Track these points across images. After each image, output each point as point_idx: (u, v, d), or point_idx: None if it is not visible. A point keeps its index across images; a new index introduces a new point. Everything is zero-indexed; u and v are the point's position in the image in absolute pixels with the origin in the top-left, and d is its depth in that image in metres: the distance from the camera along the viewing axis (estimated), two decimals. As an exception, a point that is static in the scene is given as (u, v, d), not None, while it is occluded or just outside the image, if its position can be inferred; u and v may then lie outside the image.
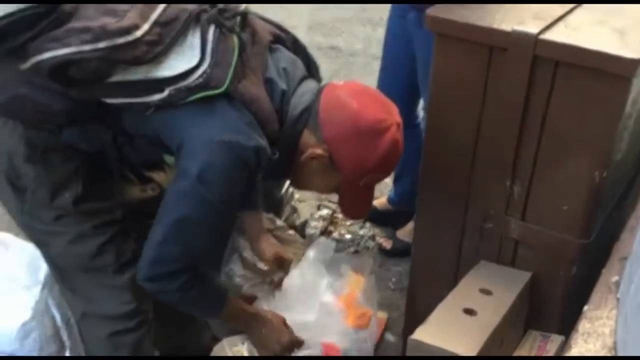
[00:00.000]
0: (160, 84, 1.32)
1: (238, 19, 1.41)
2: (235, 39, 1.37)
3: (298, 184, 1.62)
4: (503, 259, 1.72)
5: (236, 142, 1.34)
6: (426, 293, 1.84)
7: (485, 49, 1.51)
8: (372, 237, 2.64)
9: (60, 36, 1.26)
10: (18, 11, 1.25)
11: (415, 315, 1.75)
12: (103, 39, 1.26)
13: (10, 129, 1.46)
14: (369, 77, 4.14)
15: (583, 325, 1.25)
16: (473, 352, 1.38)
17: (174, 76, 1.32)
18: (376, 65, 4.17)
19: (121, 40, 1.27)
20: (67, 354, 1.67)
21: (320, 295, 1.88)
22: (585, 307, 1.29)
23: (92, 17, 1.28)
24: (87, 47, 1.25)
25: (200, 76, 1.32)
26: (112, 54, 1.27)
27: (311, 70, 1.62)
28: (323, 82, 1.60)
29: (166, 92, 1.33)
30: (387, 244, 2.58)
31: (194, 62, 1.32)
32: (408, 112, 2.39)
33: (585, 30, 1.48)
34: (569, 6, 1.58)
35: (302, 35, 4.32)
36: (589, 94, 1.43)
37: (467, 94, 1.58)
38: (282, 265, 1.90)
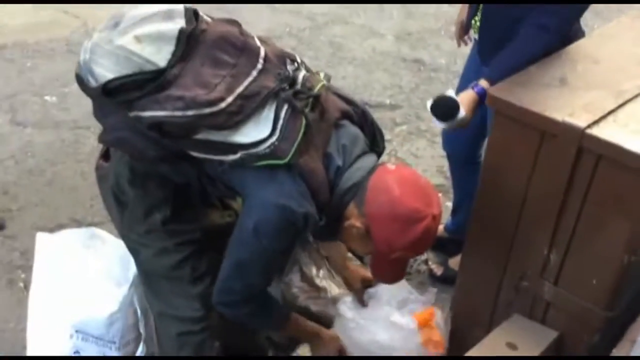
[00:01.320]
0: (235, 147, 1.57)
1: (311, 100, 1.63)
2: (303, 119, 1.59)
3: (344, 243, 1.87)
4: (534, 316, 1.91)
5: (289, 206, 1.56)
6: (464, 337, 2.05)
7: (537, 132, 1.69)
8: (425, 262, 2.84)
9: (161, 100, 1.53)
10: (132, 74, 1.54)
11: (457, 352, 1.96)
12: (192, 107, 1.52)
13: (120, 154, 1.76)
14: (449, 93, 4.31)
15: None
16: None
17: (248, 143, 1.56)
18: (456, 82, 4.34)
19: (207, 110, 1.52)
20: (142, 343, 1.98)
21: (396, 311, 2.10)
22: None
23: (188, 87, 1.54)
24: (178, 113, 1.52)
25: (269, 147, 1.56)
26: (198, 120, 1.53)
27: (376, 139, 1.85)
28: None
29: (239, 155, 1.57)
30: (439, 270, 2.77)
31: (265, 133, 1.56)
32: (473, 148, 2.56)
33: (631, 127, 1.63)
34: (623, 99, 1.72)
35: (388, 45, 4.59)
36: (624, 188, 1.59)
37: (517, 167, 1.77)
38: (369, 285, 2.18)
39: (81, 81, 1.60)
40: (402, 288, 2.16)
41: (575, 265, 1.77)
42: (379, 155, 1.87)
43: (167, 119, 1.53)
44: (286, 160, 1.57)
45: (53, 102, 3.78)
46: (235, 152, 1.58)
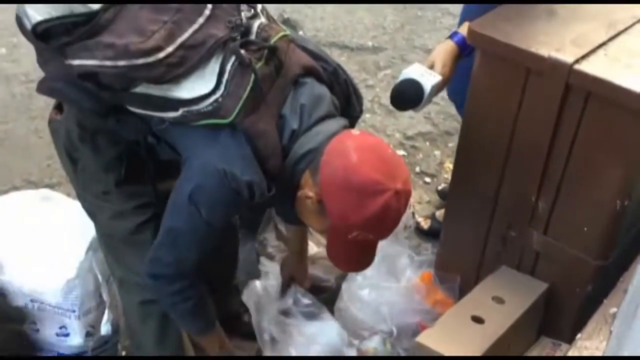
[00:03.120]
0: (175, 103, 1.50)
1: (265, 52, 1.54)
2: (252, 74, 1.50)
3: (299, 216, 1.72)
4: (523, 268, 1.93)
5: (230, 172, 1.49)
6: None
7: (522, 70, 1.68)
8: (412, 215, 2.84)
9: (90, 47, 1.47)
10: (60, 17, 1.48)
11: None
12: (124, 57, 1.44)
13: (68, 108, 1.73)
14: (436, 33, 4.27)
15: (572, 352, 1.46)
16: (471, 361, 1.61)
17: (189, 99, 1.49)
18: (445, 22, 4.31)
19: (140, 61, 1.45)
20: (106, 310, 1.98)
21: (402, 271, 2.12)
22: (578, 336, 1.50)
23: (121, 34, 1.46)
24: (108, 63, 1.45)
25: (211, 104, 1.49)
26: (130, 72, 1.46)
27: (351, 101, 1.75)
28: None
29: (180, 112, 1.51)
30: (425, 224, 2.78)
31: (208, 88, 1.48)
32: None
33: (623, 62, 1.62)
34: (615, 30, 1.71)
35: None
36: (616, 127, 1.60)
37: (501, 109, 1.76)
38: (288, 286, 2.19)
39: (20, 23, 1.55)
40: (402, 252, 2.19)
41: (565, 212, 1.78)
42: (354, 120, 1.79)
43: (98, 68, 1.47)
44: (229, 119, 1.49)
45: (2, 53, 3.70)
46: (176, 109, 1.52)
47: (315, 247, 2.34)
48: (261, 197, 1.54)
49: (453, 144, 3.18)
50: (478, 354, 1.64)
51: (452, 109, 3.29)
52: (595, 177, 1.68)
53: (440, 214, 2.76)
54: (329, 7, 4.24)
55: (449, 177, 3.00)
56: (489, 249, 1.99)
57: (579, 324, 1.88)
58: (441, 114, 3.39)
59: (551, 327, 1.93)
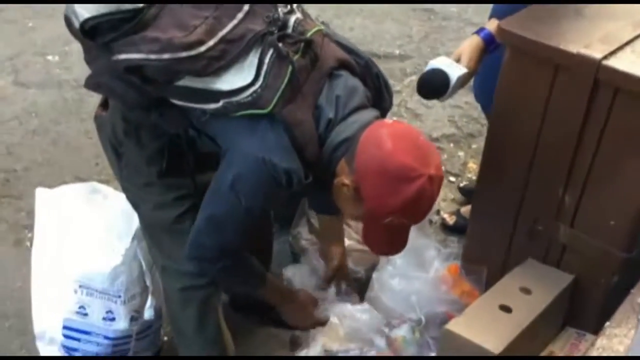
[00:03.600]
0: (217, 95, 1.48)
1: (302, 44, 1.51)
2: (290, 66, 1.48)
3: (335, 203, 1.69)
4: (549, 261, 1.85)
5: (269, 160, 1.46)
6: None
7: (550, 66, 1.61)
8: (437, 212, 2.78)
9: (136, 41, 1.45)
10: (107, 14, 1.46)
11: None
12: (168, 50, 1.43)
13: (114, 104, 1.70)
14: (460, 42, 4.14)
15: (601, 341, 1.38)
16: (500, 348, 1.54)
17: (229, 90, 1.46)
18: (469, 31, 4.18)
19: (184, 54, 1.43)
20: (149, 296, 1.94)
21: (430, 263, 2.06)
22: (607, 324, 1.42)
23: (164, 29, 1.45)
24: (153, 56, 1.43)
25: (251, 95, 1.46)
26: (174, 65, 1.44)
27: (382, 93, 1.71)
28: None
29: (220, 104, 1.48)
30: (450, 220, 2.71)
31: (248, 80, 1.46)
32: None
33: (651, 58, 1.54)
34: (642, 29, 1.63)
35: (397, -7, 4.42)
36: (645, 122, 1.52)
37: (530, 105, 1.69)
38: (338, 276, 2.12)
39: (69, 23, 1.53)
40: (429, 244, 2.13)
41: (592, 206, 1.71)
42: (385, 111, 1.74)
43: (143, 62, 1.45)
44: (268, 109, 1.47)
45: (55, 61, 3.71)
46: (217, 101, 1.49)
47: (347, 240, 2.28)
48: (299, 184, 1.50)
49: (476, 145, 3.12)
50: (506, 342, 1.57)
51: (475, 113, 3.23)
52: (622, 171, 1.60)
53: (465, 210, 2.69)
54: (358, 18, 4.19)
55: (473, 177, 2.96)
56: (515, 242, 1.91)
57: (603, 315, 1.78)
58: (464, 117, 3.31)
59: (576, 318, 1.85)
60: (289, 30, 1.53)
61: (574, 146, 1.64)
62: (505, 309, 1.67)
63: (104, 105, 1.75)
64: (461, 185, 2.86)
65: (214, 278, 1.77)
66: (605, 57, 1.53)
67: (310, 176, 1.53)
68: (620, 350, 1.35)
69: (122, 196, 1.89)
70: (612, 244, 1.70)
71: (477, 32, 1.83)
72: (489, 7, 2.20)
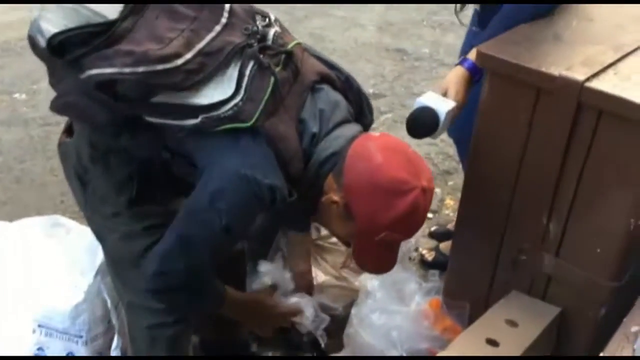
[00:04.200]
0: (195, 110, 1.40)
1: (282, 57, 1.46)
2: (272, 77, 1.42)
3: (322, 224, 1.64)
4: (534, 292, 1.77)
5: (252, 176, 1.38)
6: (456, 318, 1.91)
7: (532, 90, 1.56)
8: (416, 248, 2.70)
9: (109, 55, 1.36)
10: (76, 28, 1.38)
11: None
12: (143, 63, 1.34)
13: (80, 128, 1.61)
14: (433, 82, 4.19)
15: (595, 372, 1.30)
16: (488, 384, 1.45)
17: (209, 105, 1.39)
18: (441, 71, 4.25)
19: (160, 67, 1.35)
20: (115, 336, 1.81)
21: (411, 297, 1.97)
22: (601, 354, 1.34)
23: (139, 42, 1.37)
24: (127, 70, 1.35)
25: (231, 108, 1.38)
26: (150, 78, 1.36)
27: (363, 109, 1.65)
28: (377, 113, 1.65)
29: (199, 119, 1.40)
30: (430, 256, 2.63)
31: (228, 93, 1.38)
32: None
33: (634, 80, 1.50)
34: (623, 52, 1.60)
35: (370, 35, 4.47)
36: (630, 145, 1.47)
37: (511, 131, 1.64)
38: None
39: (33, 43, 1.44)
40: (410, 278, 2.05)
41: (578, 233, 1.64)
42: (366, 128, 1.67)
43: (116, 76, 1.36)
44: (250, 123, 1.39)
45: (22, 99, 3.63)
46: (195, 116, 1.41)
47: (322, 275, 2.18)
48: (282, 202, 1.42)
49: (453, 182, 3.09)
50: (495, 377, 1.48)
51: (451, 150, 3.19)
52: (608, 196, 1.55)
53: (444, 246, 2.62)
54: (332, 57, 4.16)
55: (450, 213, 2.90)
56: (498, 274, 1.84)
57: (593, 350, 1.73)
58: (440, 155, 3.28)
59: (564, 355, 1.77)
60: (269, 43, 1.47)
61: (557, 171, 1.58)
62: (492, 342, 1.58)
63: (69, 131, 1.65)
64: (432, 229, 2.77)
65: (179, 313, 1.63)
66: (588, 79, 1.49)
67: (295, 194, 1.45)
68: (617, 383, 1.27)
69: (86, 230, 1.79)
70: (599, 274, 1.63)
71: (461, 63, 1.77)
72: (459, 49, 2.20)
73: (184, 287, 1.53)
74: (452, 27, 4.32)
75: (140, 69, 1.35)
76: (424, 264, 2.62)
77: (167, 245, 1.50)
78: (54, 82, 1.49)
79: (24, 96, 3.65)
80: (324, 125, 1.50)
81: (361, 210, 1.43)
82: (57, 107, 1.48)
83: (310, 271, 2.06)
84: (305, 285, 2.02)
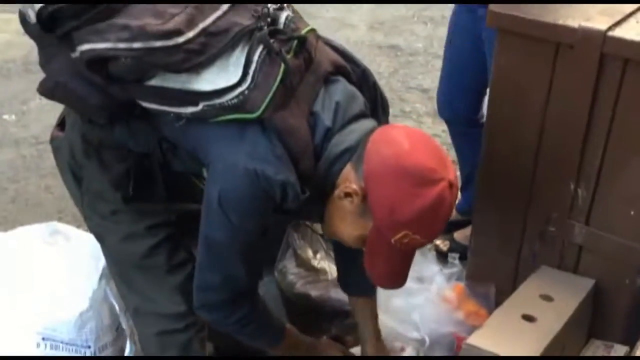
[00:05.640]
0: (196, 96, 1.28)
1: (294, 43, 1.33)
2: (282, 65, 1.29)
3: (329, 228, 1.45)
4: (565, 265, 1.67)
5: (262, 172, 1.27)
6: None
7: (550, 46, 1.47)
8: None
9: (102, 29, 1.25)
10: None
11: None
12: (140, 39, 1.23)
13: (72, 121, 1.50)
14: (429, 75, 4.14)
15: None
16: (531, 360, 1.34)
17: (212, 91, 1.27)
18: (437, 64, 4.15)
19: (158, 43, 1.23)
20: (127, 342, 1.70)
21: (431, 280, 1.86)
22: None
23: (137, 16, 1.25)
24: (122, 45, 1.23)
25: (237, 97, 1.26)
26: (147, 56, 1.24)
27: (377, 107, 1.52)
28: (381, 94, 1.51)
29: (200, 107, 1.28)
30: (444, 246, 2.53)
31: (233, 80, 1.26)
32: (474, 109, 2.33)
33: (658, 26, 1.42)
34: (641, 3, 1.52)
35: (362, 34, 4.39)
36: (660, 94, 1.38)
37: (530, 93, 1.55)
38: None
39: (23, 20, 1.32)
40: (430, 260, 1.98)
41: (609, 198, 1.55)
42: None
43: (110, 52, 1.24)
44: (257, 114, 1.27)
45: (12, 120, 3.53)
46: (196, 103, 1.29)
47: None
48: (294, 199, 1.30)
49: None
50: (535, 353, 1.37)
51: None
52: (639, 152, 1.45)
53: (459, 234, 2.52)
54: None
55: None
56: (525, 250, 1.73)
57: (630, 321, 1.63)
58: (444, 145, 3.18)
59: (601, 328, 1.66)
60: (280, 27, 1.34)
61: (583, 131, 1.49)
62: (529, 318, 1.47)
63: (61, 125, 1.54)
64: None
65: (230, 330, 1.52)
66: (610, 29, 1.40)
67: (307, 191, 1.32)
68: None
69: (86, 236, 1.68)
70: (634, 238, 1.53)
71: None
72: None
73: (230, 304, 1.44)
74: (444, 20, 4.22)
75: (136, 45, 1.23)
76: (440, 255, 2.52)
77: (199, 259, 1.41)
78: (43, 63, 1.36)
79: (13, 117, 3.55)
80: (339, 119, 1.36)
81: (382, 200, 1.28)
82: (45, 89, 1.36)
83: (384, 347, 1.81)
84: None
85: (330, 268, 2.08)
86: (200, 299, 1.45)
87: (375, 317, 1.77)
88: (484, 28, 1.99)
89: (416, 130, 1.40)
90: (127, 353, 1.68)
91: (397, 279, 1.47)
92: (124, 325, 1.69)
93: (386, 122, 1.55)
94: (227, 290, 1.42)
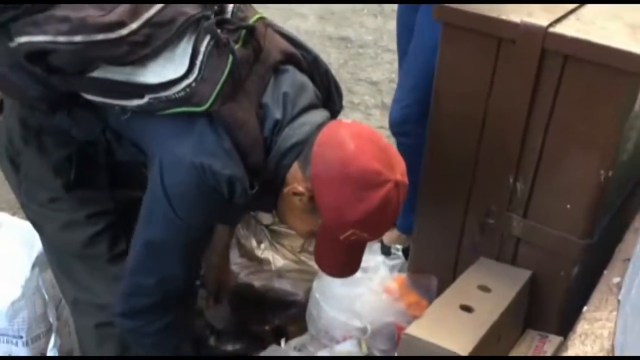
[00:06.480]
0: (141, 89, 1.25)
1: (242, 32, 1.30)
2: (230, 56, 1.26)
3: (281, 218, 1.46)
4: (503, 257, 1.69)
5: (208, 166, 1.24)
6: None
7: (493, 40, 1.48)
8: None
9: (40, 21, 1.20)
10: None
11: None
12: (81, 32, 1.19)
13: (10, 105, 1.44)
14: (379, 67, 4.16)
15: (582, 326, 1.23)
16: (468, 349, 1.35)
17: (157, 84, 1.24)
18: (387, 57, 4.20)
19: (100, 36, 1.19)
20: (53, 336, 1.64)
21: (374, 270, 1.86)
22: (585, 308, 1.27)
23: (77, 7, 1.21)
24: (61, 39, 1.19)
25: (184, 89, 1.24)
26: (89, 49, 1.20)
27: (331, 94, 1.50)
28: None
29: (145, 100, 1.25)
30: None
31: (180, 72, 1.23)
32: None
33: (597, 24, 1.44)
34: (582, -1, 1.54)
35: (312, 24, 4.37)
36: (597, 90, 1.40)
37: (472, 86, 1.55)
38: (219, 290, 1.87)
39: None
40: (374, 252, 1.96)
41: (546, 191, 1.57)
42: (335, 115, 1.51)
43: (49, 45, 1.19)
44: (205, 107, 1.24)
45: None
46: (141, 96, 1.25)
47: (281, 260, 2.07)
48: (242, 195, 1.27)
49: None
50: (472, 342, 1.39)
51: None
52: (577, 148, 1.48)
53: (386, 237, 2.49)
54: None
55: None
56: (465, 241, 1.75)
57: (565, 313, 1.66)
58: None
59: (536, 319, 1.69)
60: (228, 16, 1.30)
61: (523, 124, 1.51)
62: (467, 308, 1.49)
63: None
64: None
65: (147, 342, 1.45)
66: (551, 25, 1.41)
67: (256, 185, 1.29)
68: (605, 335, 1.20)
69: (19, 222, 1.63)
70: (570, 231, 1.56)
71: None
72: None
73: (159, 310, 1.38)
74: (394, 14, 4.26)
75: (77, 38, 1.19)
76: (384, 247, 2.52)
77: (132, 260, 1.35)
78: None
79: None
80: (288, 111, 1.34)
81: (328, 203, 1.28)
82: None
83: (223, 267, 1.90)
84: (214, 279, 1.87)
85: (274, 259, 2.08)
86: (124, 305, 1.39)
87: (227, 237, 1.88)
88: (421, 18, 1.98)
89: (363, 127, 1.38)
90: (51, 346, 1.62)
91: (346, 269, 1.48)
92: (51, 319, 1.63)
93: (341, 106, 1.55)
94: (160, 292, 1.37)
